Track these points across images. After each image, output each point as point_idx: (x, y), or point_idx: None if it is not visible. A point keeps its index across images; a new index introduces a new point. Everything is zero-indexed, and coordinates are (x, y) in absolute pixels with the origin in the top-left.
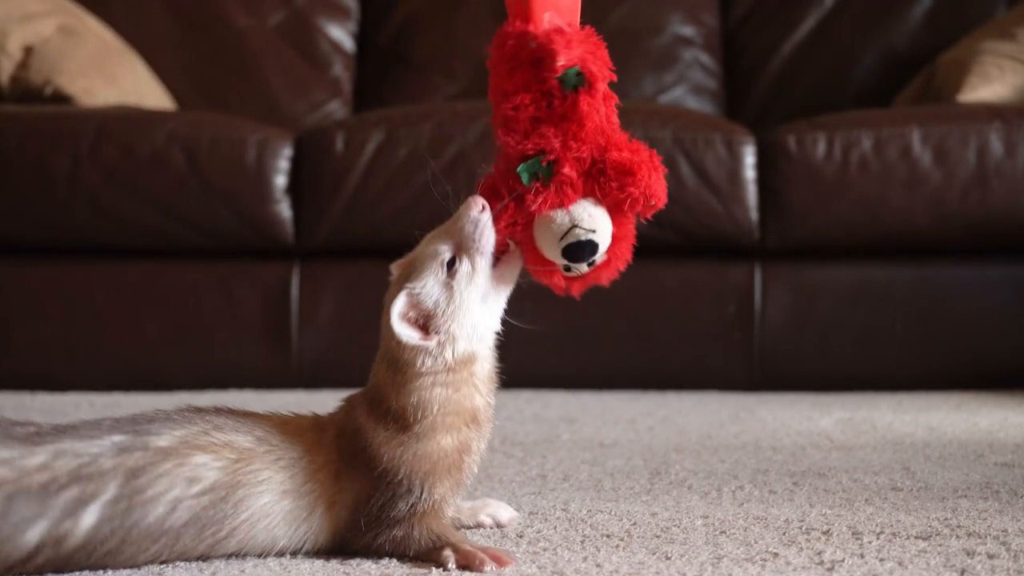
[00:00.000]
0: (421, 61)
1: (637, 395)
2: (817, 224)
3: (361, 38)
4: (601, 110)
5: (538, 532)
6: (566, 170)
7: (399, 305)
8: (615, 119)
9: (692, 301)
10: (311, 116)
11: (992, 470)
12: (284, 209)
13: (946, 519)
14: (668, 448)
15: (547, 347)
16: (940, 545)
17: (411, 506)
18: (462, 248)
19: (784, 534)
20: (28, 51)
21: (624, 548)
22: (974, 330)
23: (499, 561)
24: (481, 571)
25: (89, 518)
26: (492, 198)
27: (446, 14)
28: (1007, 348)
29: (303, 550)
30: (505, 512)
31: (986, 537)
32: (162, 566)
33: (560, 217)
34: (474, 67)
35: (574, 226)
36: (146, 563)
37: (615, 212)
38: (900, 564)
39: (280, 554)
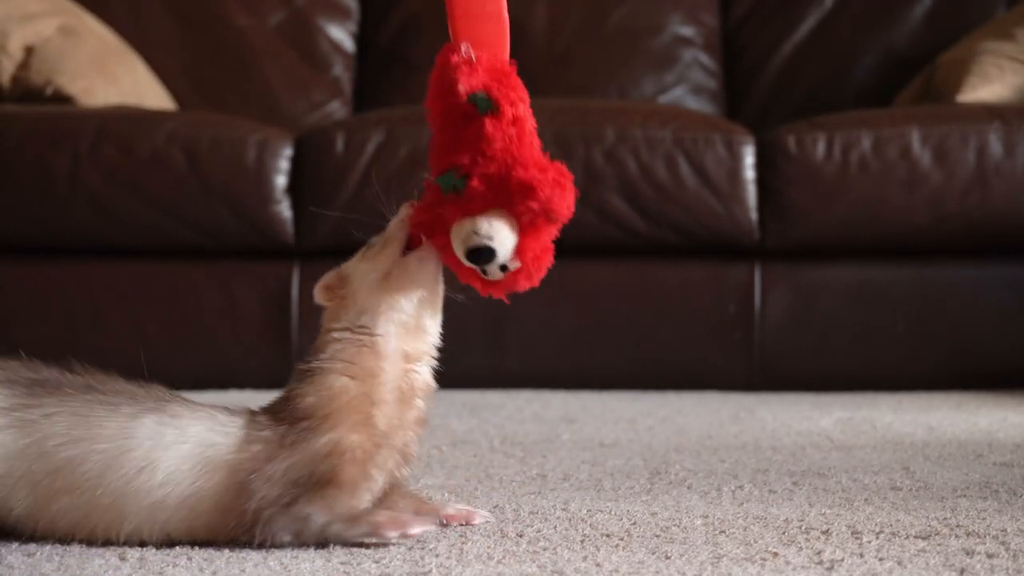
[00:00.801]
0: (421, 61)
1: (637, 395)
2: (817, 224)
3: (361, 38)
4: (509, 132)
5: (538, 532)
6: (474, 183)
7: (324, 277)
8: (530, 140)
9: (692, 301)
10: (311, 116)
11: (991, 470)
12: (284, 209)
13: (945, 519)
14: (668, 448)
15: (547, 347)
16: (939, 545)
17: (318, 451)
18: (384, 236)
19: (784, 534)
20: (28, 51)
21: (624, 548)
22: (974, 330)
23: (428, 518)
24: (415, 529)
25: None
26: (423, 203)
27: (446, 14)
28: (1007, 348)
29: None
30: (478, 516)
31: (985, 537)
32: (162, 565)
33: (467, 224)
34: None
35: (474, 233)
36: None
37: (523, 224)
38: (899, 563)
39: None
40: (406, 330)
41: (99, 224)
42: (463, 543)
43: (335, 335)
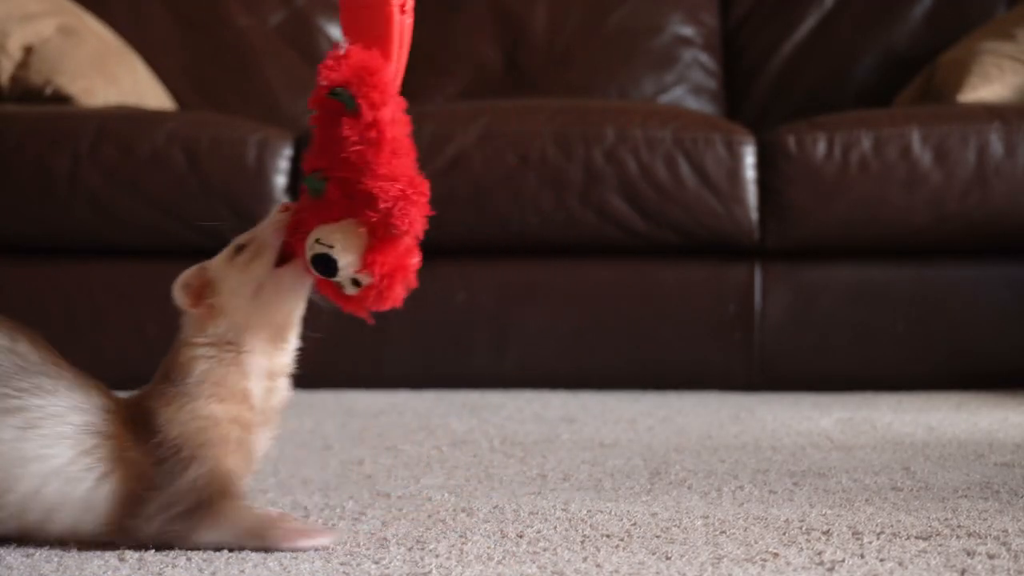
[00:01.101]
0: (421, 61)
1: (637, 395)
2: (817, 224)
3: None
4: (366, 135)
5: (538, 532)
6: (331, 189)
7: (184, 274)
8: (393, 147)
9: (692, 301)
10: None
11: (992, 470)
12: None
13: (946, 519)
14: (668, 448)
15: (547, 347)
16: (940, 545)
17: (195, 481)
18: (254, 239)
19: (784, 534)
20: (28, 51)
21: (624, 548)
22: (974, 330)
23: (312, 534)
24: (310, 541)
25: None
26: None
27: (446, 14)
28: (1007, 348)
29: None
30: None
31: (986, 537)
32: (161, 566)
33: (314, 232)
34: (474, 67)
35: (316, 240)
36: None
37: (374, 239)
38: (900, 564)
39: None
40: (273, 346)
41: (99, 224)
42: (463, 543)
43: (201, 352)
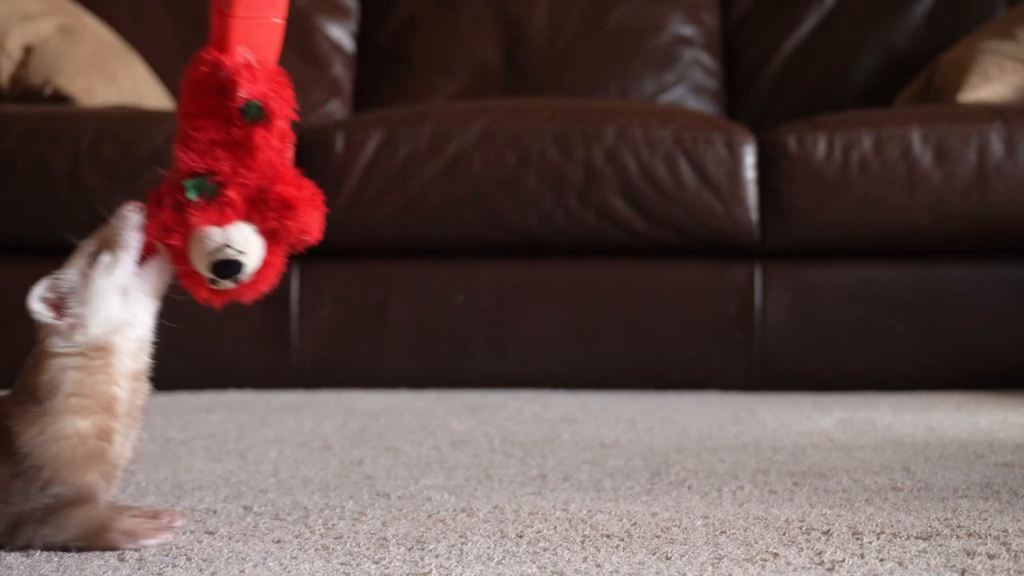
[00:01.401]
0: (421, 61)
1: (637, 395)
2: (817, 224)
3: (361, 38)
4: (275, 145)
5: (538, 532)
6: (231, 192)
7: (38, 287)
8: (288, 156)
9: (692, 301)
10: (311, 116)
11: (992, 470)
12: None
13: (946, 519)
14: (668, 448)
15: (547, 347)
16: (940, 545)
17: (56, 497)
18: (108, 243)
19: (784, 534)
20: (28, 51)
21: (624, 548)
22: (974, 330)
23: (163, 528)
24: (150, 540)
25: None
26: (155, 205)
27: (446, 14)
28: (1007, 348)
29: None
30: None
31: (986, 537)
32: (161, 566)
33: (216, 235)
34: (474, 67)
35: (226, 246)
36: None
37: (270, 240)
38: (900, 564)
39: None
40: (139, 347)
41: (99, 224)
42: (463, 543)
43: (68, 362)
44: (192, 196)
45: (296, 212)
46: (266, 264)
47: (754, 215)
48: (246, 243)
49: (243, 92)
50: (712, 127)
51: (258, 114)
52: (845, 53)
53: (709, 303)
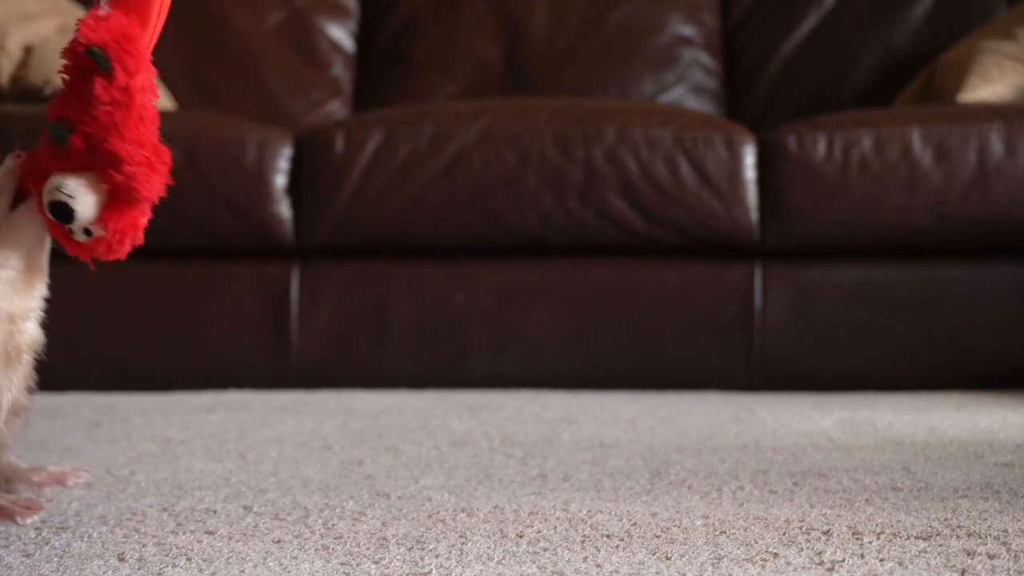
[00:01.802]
0: (421, 61)
1: (637, 395)
2: (817, 224)
3: (361, 38)
4: (117, 98)
5: (538, 532)
6: (75, 140)
7: None
8: (140, 114)
9: (692, 301)
10: (311, 116)
11: (992, 470)
12: (284, 209)
13: (946, 519)
14: (668, 448)
15: (547, 347)
16: (940, 545)
17: None
18: None
19: (784, 534)
20: (27, 51)
21: (624, 548)
22: (974, 330)
23: (30, 509)
24: (24, 519)
25: None
26: (32, 151)
27: (446, 14)
28: (1007, 348)
29: None
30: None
31: (986, 537)
32: (161, 566)
33: (55, 179)
34: (474, 67)
35: (57, 188)
36: None
37: (112, 196)
38: (900, 564)
39: None
40: (13, 289)
41: None
42: (463, 543)
43: None
44: (51, 141)
45: (122, 168)
46: (116, 222)
47: (754, 215)
48: (75, 190)
49: (81, 37)
50: (712, 127)
51: (101, 62)
52: (845, 53)
53: (709, 303)
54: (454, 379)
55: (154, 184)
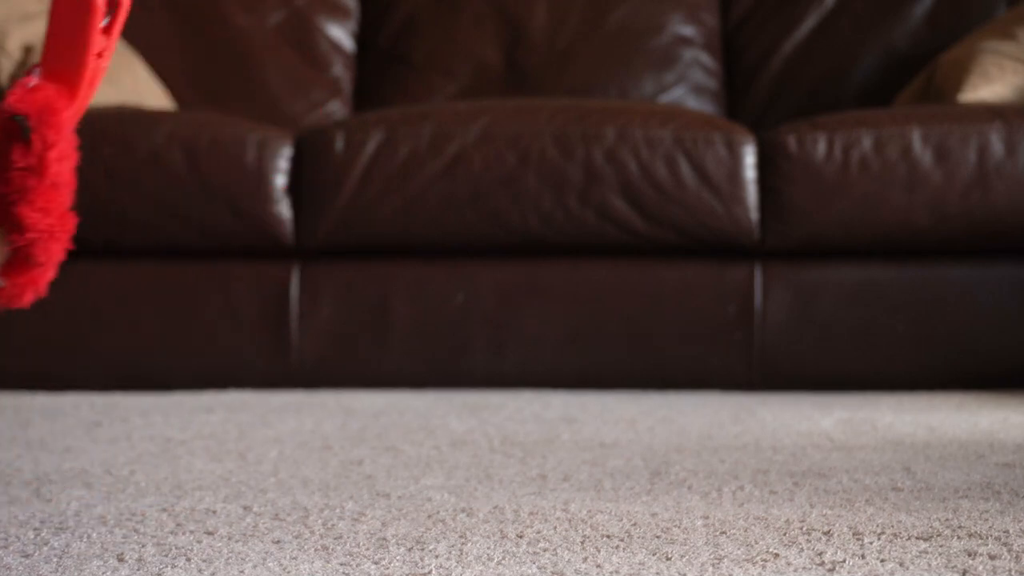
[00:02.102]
0: (421, 61)
1: (637, 395)
2: (817, 224)
3: (361, 38)
4: (31, 165)
5: (538, 532)
6: None
7: None
8: (54, 182)
9: (692, 301)
10: (311, 116)
11: (993, 470)
12: (284, 209)
13: (947, 520)
14: (668, 448)
15: (547, 347)
16: (941, 546)
17: None
18: None
19: (785, 534)
20: (27, 51)
21: (624, 548)
22: (975, 330)
23: None
24: None
25: None
26: None
27: (446, 14)
28: (1008, 348)
29: None
30: None
31: (987, 538)
32: (160, 566)
33: None
34: (474, 67)
35: None
36: None
37: (14, 257)
38: (901, 564)
39: None
40: None
41: (99, 224)
42: (463, 544)
43: None
44: None
45: (28, 236)
46: (16, 277)
47: (754, 215)
48: None
49: (8, 105)
50: (712, 127)
51: (23, 131)
52: (845, 53)
53: (709, 303)
54: (454, 379)
55: (52, 252)
